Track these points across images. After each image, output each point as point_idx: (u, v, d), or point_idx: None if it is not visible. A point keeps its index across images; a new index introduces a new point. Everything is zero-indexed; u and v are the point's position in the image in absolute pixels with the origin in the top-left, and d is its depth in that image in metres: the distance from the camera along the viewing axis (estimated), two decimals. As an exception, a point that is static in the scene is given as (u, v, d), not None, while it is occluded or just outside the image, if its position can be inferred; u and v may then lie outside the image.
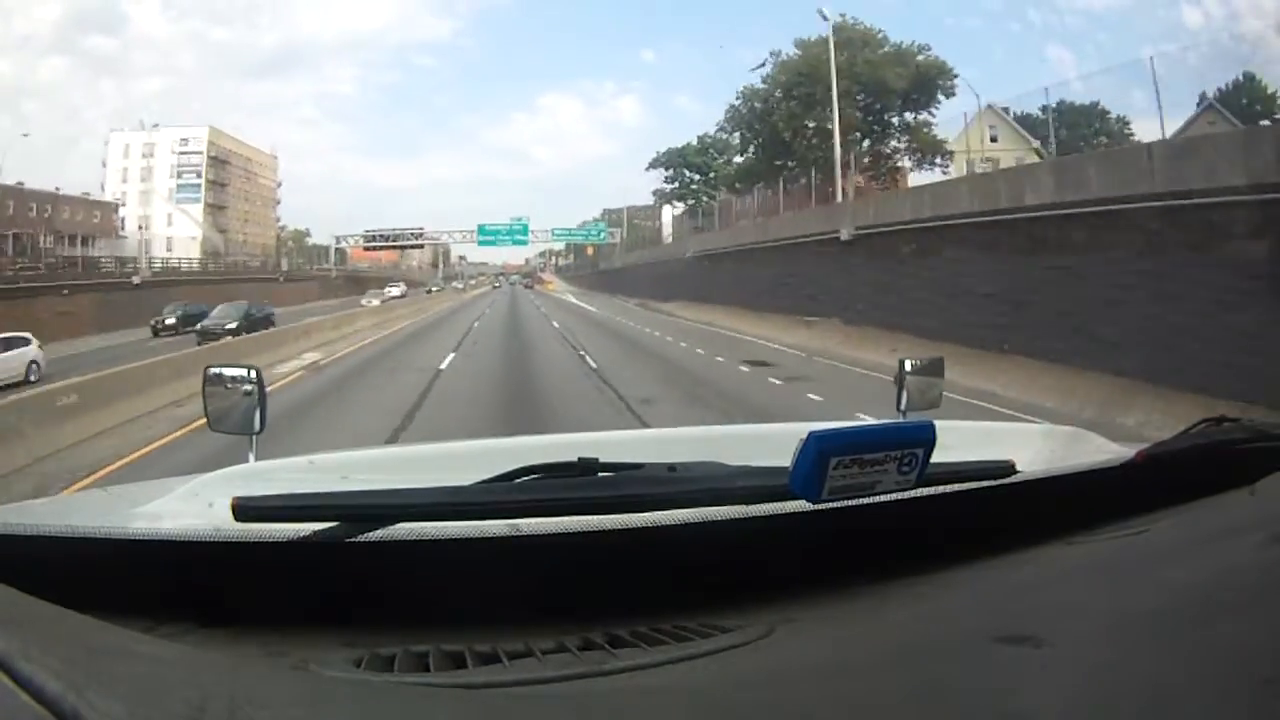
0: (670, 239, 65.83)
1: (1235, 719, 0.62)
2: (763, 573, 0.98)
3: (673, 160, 58.07)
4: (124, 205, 56.67)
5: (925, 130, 36.78)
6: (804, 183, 33.94)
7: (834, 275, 21.86)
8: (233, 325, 24.50)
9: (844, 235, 21.14)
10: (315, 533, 0.89)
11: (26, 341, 18.86)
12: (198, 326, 25.80)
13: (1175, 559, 0.95)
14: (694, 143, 57.39)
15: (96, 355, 20.28)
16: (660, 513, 0.95)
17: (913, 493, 0.92)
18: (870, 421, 1.16)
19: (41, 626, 0.65)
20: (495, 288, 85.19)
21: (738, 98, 42.62)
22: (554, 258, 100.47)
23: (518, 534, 0.93)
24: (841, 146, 30.47)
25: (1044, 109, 22.84)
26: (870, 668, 0.76)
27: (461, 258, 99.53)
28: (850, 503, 0.89)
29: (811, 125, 37.62)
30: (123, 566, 0.90)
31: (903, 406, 2.00)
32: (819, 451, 0.83)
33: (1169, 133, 15.45)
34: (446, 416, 10.11)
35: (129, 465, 8.03)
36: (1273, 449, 1.16)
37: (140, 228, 53.39)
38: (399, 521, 0.90)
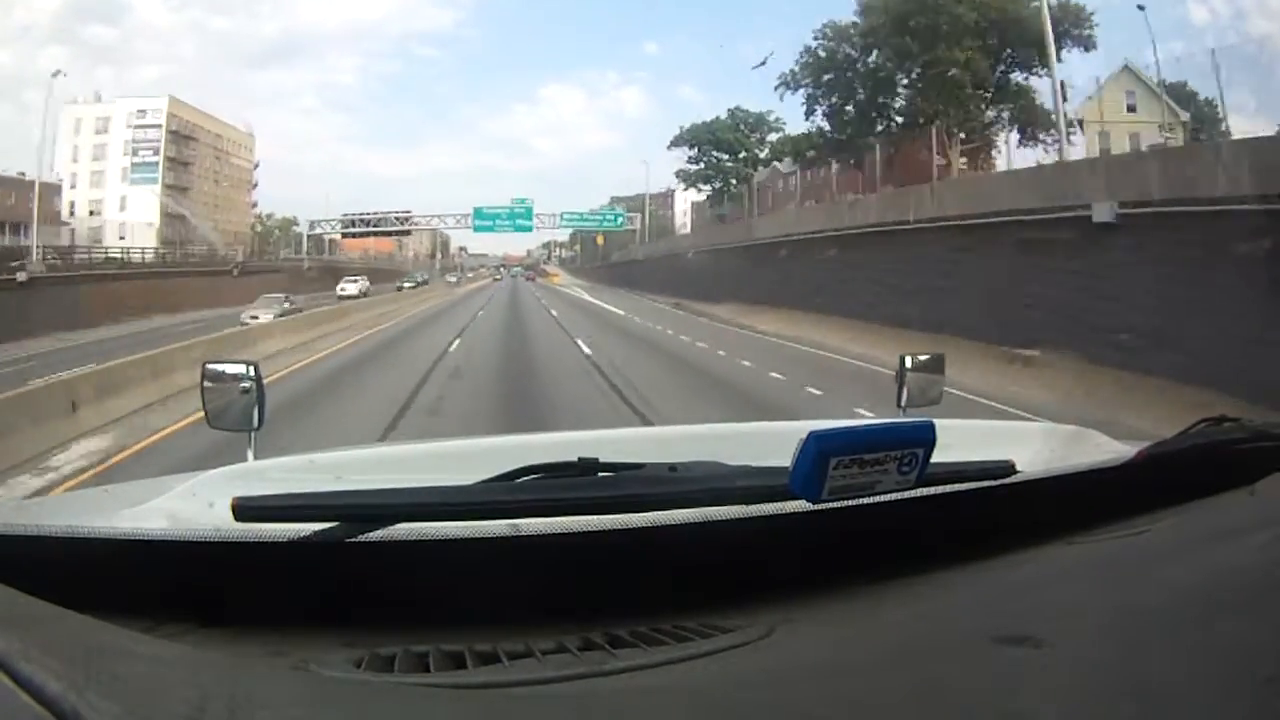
0: (685, 229, 58.92)
1: (1236, 718, 0.62)
2: (763, 573, 0.98)
3: (698, 137, 49.11)
4: (74, 187, 49.33)
5: (1029, 95, 28.46)
6: (895, 151, 28.89)
7: (1061, 278, 13.51)
8: None
9: (1103, 215, 12.86)
10: (315, 533, 0.89)
11: None
12: None
13: (1175, 559, 0.95)
14: (723, 117, 48.17)
15: None
16: (660, 513, 0.95)
17: (913, 492, 0.92)
18: None
19: (41, 626, 0.65)
20: (496, 279, 79.90)
21: (816, 37, 32.43)
22: (557, 249, 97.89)
23: (518, 534, 0.93)
24: (969, 107, 25.58)
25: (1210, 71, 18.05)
26: (870, 667, 0.76)
27: (462, 249, 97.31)
28: (850, 503, 0.89)
29: (911, 77, 28.94)
30: (122, 566, 0.90)
31: (903, 403, 2.00)
32: (819, 451, 0.83)
33: None
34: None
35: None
36: (1273, 449, 1.16)
37: (92, 213, 48.15)
38: (399, 521, 0.90)
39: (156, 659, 0.65)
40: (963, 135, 29.65)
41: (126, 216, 49.96)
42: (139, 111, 52.78)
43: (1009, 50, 27.59)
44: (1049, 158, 25.45)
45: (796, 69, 33.33)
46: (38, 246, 34.08)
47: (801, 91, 33.75)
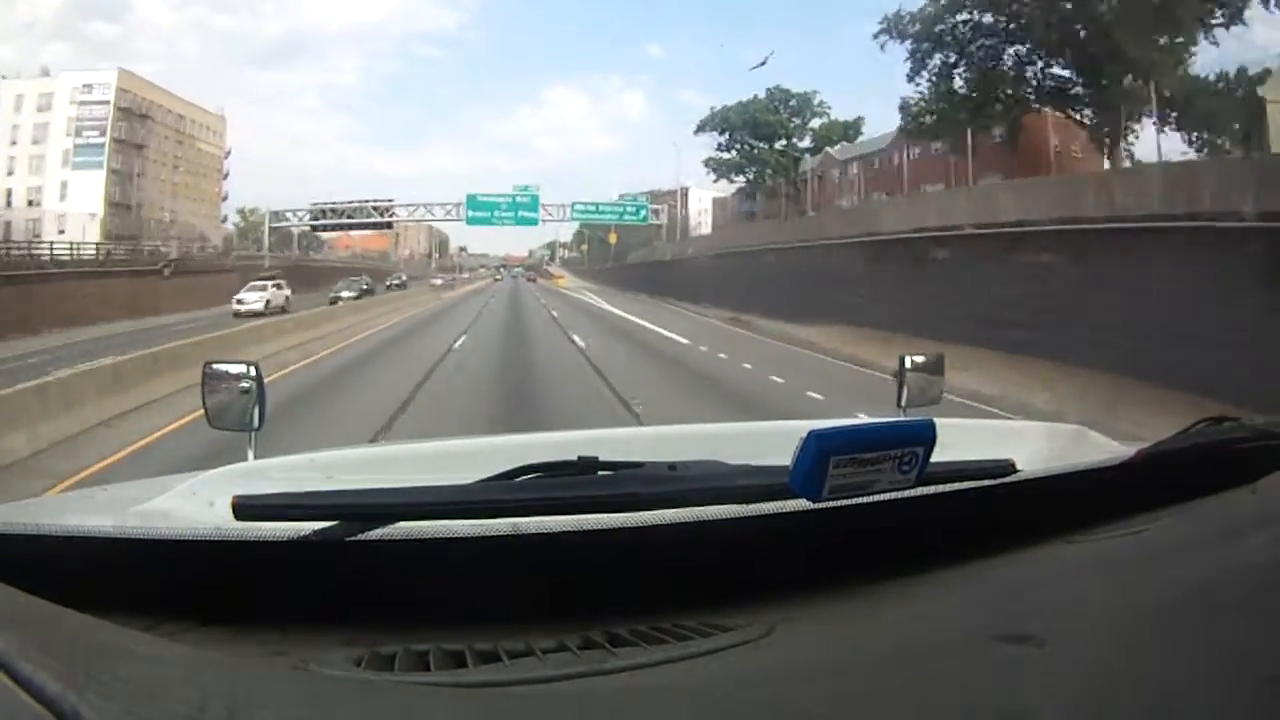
0: (702, 228, 51.87)
1: (1236, 718, 0.62)
2: (763, 572, 0.98)
3: (730, 120, 41.30)
4: (11, 174, 43.44)
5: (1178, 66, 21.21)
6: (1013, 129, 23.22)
7: None
8: None
9: None
10: (315, 532, 0.89)
11: None
12: None
13: (1175, 558, 0.95)
14: (760, 97, 40.46)
15: None
16: (660, 511, 0.95)
17: (913, 492, 0.92)
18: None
19: (41, 626, 0.65)
20: (496, 279, 74.32)
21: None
22: (561, 249, 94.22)
23: (518, 533, 0.93)
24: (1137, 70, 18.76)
25: None
26: (870, 667, 0.76)
27: (462, 249, 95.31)
28: (850, 501, 0.89)
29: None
30: (122, 566, 0.89)
31: (903, 403, 2.00)
32: (819, 450, 0.83)
33: None
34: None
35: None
36: (1273, 448, 1.16)
37: (31, 202, 41.86)
38: (399, 520, 0.90)
39: (156, 659, 0.65)
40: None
41: (68, 206, 42.55)
42: (85, 86, 44.47)
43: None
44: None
45: (904, 16, 25.83)
46: None
47: (908, 46, 25.75)
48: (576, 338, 18.93)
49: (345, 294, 35.41)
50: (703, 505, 0.95)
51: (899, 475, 0.88)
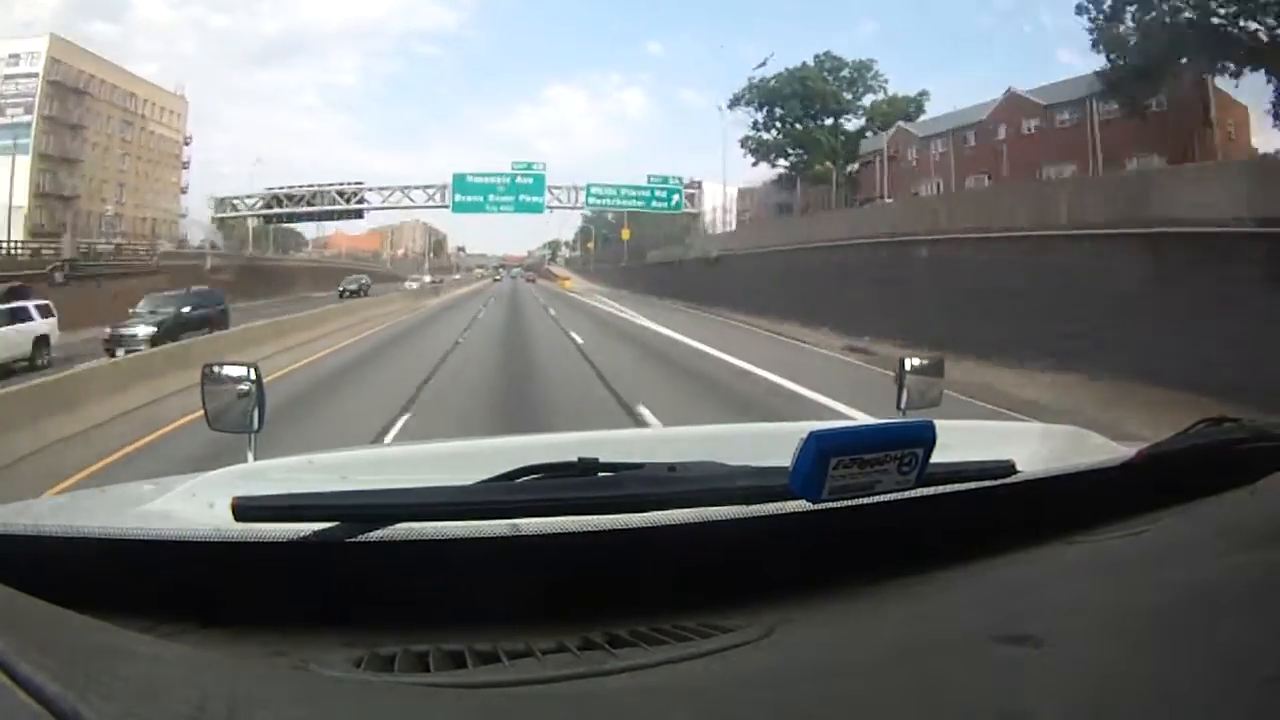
0: (716, 226, 42.01)
1: (1236, 718, 0.62)
2: (763, 572, 0.98)
3: (773, 93, 34.21)
4: None
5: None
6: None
7: None
8: None
9: None
10: (315, 533, 0.89)
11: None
12: None
13: (1175, 559, 0.95)
14: (809, 64, 33.60)
15: None
16: (660, 512, 0.95)
17: (913, 492, 0.92)
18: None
19: (41, 626, 0.65)
20: (496, 280, 70.09)
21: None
22: (563, 249, 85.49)
23: (518, 534, 0.93)
24: None
25: None
26: (870, 667, 0.76)
27: (460, 249, 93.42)
28: (850, 502, 0.89)
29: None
30: (122, 566, 0.90)
31: (903, 405, 2.00)
32: (819, 451, 0.83)
33: None
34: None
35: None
36: (1273, 449, 1.16)
37: None
38: (399, 521, 0.90)
39: (156, 659, 0.65)
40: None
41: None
42: (10, 56, 37.00)
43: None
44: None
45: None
46: None
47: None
48: (645, 411, 9.40)
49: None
50: (703, 506, 0.95)
51: (899, 476, 0.88)
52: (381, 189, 39.56)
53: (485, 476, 0.99)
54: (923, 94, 36.31)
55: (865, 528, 0.99)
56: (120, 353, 14.29)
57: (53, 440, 8.08)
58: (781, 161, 37.59)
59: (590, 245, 70.98)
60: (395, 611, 0.90)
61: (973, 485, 1.04)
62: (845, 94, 34.59)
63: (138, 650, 0.66)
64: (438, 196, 38.14)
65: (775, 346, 18.37)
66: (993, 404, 10.07)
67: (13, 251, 29.26)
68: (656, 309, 30.26)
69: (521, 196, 37.17)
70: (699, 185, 41.43)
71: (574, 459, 1.02)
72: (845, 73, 34.78)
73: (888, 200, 30.87)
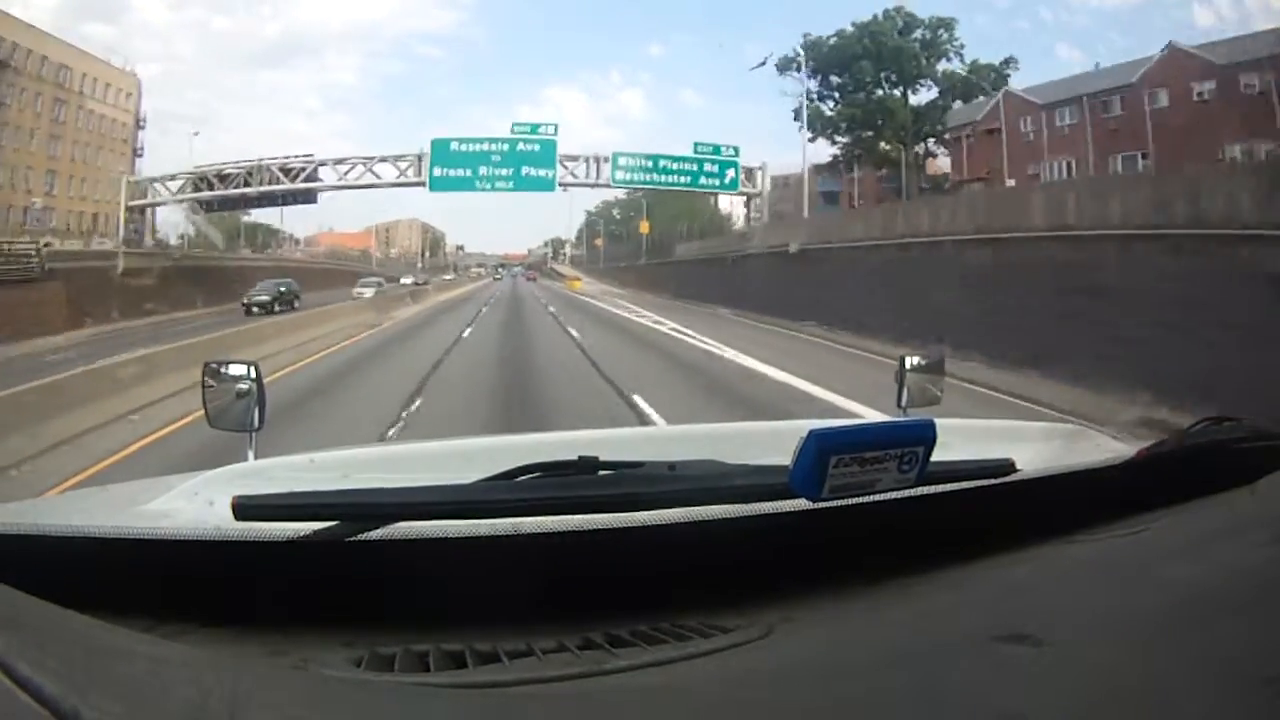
0: (747, 221, 32.45)
1: (1236, 718, 0.62)
2: (762, 572, 0.98)
3: (833, 54, 26.89)
4: None
5: None
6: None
7: None
8: None
9: None
10: (316, 532, 0.89)
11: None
12: None
13: (1175, 559, 0.95)
14: (879, 17, 26.97)
15: None
16: (661, 511, 0.95)
17: (913, 491, 0.92)
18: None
19: (41, 626, 0.65)
20: (496, 278, 65.75)
21: None
22: (565, 246, 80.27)
23: (518, 533, 0.93)
24: None
25: None
26: (870, 667, 0.76)
27: (459, 247, 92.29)
28: (850, 501, 0.89)
29: None
30: (123, 566, 0.90)
31: (903, 403, 2.00)
32: (819, 450, 0.83)
33: None
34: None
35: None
36: (1273, 449, 1.16)
37: None
38: (400, 520, 0.90)
39: (156, 659, 0.65)
40: None
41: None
42: None
43: None
44: None
45: None
46: None
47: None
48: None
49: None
50: (703, 505, 0.95)
51: (899, 475, 0.88)
52: (339, 163, 30.59)
53: (485, 475, 0.99)
54: (1008, 61, 28.66)
55: (865, 527, 0.99)
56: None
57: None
58: (842, 138, 29.93)
59: (599, 241, 63.95)
60: (395, 611, 0.90)
61: (973, 484, 1.04)
62: (917, 60, 27.85)
63: (138, 650, 0.66)
64: (411, 172, 28.82)
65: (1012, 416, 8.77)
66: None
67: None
68: (722, 326, 20.77)
69: (525, 170, 26.93)
70: (760, 167, 31.39)
71: (574, 457, 1.02)
72: (919, 33, 27.70)
73: (1010, 182, 23.81)
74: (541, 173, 27.64)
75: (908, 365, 2.05)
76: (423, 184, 28.16)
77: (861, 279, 19.39)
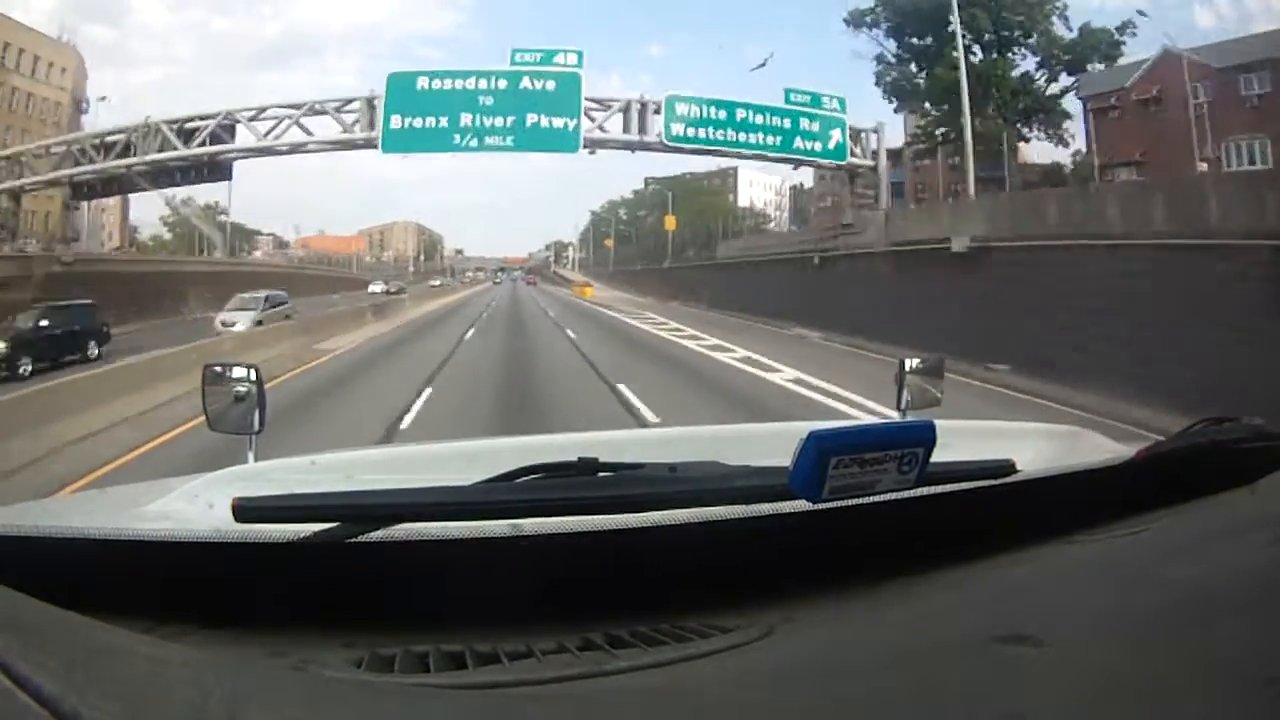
0: (790, 220, 27.96)
1: (1236, 719, 0.62)
2: (763, 573, 0.98)
3: (916, 10, 21.37)
4: None
5: None
6: None
7: None
8: None
9: None
10: (316, 533, 0.89)
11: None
12: None
13: (1175, 559, 0.95)
14: None
15: None
16: (660, 512, 0.95)
17: (913, 492, 0.92)
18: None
19: (41, 627, 0.65)
20: (496, 283, 63.40)
21: None
22: (567, 250, 77.35)
23: (518, 534, 0.93)
24: None
25: None
26: (870, 668, 0.76)
27: (458, 251, 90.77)
28: (850, 502, 0.89)
29: None
30: (123, 567, 0.90)
31: (903, 405, 2.00)
32: (819, 451, 0.83)
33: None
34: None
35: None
36: (1273, 449, 1.16)
37: None
38: (400, 522, 0.90)
39: (156, 659, 0.65)
40: None
41: None
42: None
43: None
44: None
45: None
46: None
47: None
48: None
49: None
50: (703, 506, 0.95)
51: (899, 476, 0.88)
52: (255, 118, 21.07)
53: (486, 477, 0.99)
54: (1127, 25, 22.50)
55: (865, 528, 0.99)
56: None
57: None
58: (931, 111, 23.77)
59: (608, 242, 56.36)
60: (395, 612, 0.90)
61: (973, 485, 1.04)
62: (1015, 29, 21.73)
63: (138, 650, 0.66)
64: (359, 127, 19.53)
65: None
66: None
67: None
68: (854, 367, 13.04)
69: (532, 119, 17.61)
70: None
71: (574, 459, 1.02)
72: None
73: (1202, 167, 17.78)
74: (561, 122, 17.92)
75: (907, 367, 2.06)
76: (374, 144, 18.37)
77: (1105, 296, 11.81)
